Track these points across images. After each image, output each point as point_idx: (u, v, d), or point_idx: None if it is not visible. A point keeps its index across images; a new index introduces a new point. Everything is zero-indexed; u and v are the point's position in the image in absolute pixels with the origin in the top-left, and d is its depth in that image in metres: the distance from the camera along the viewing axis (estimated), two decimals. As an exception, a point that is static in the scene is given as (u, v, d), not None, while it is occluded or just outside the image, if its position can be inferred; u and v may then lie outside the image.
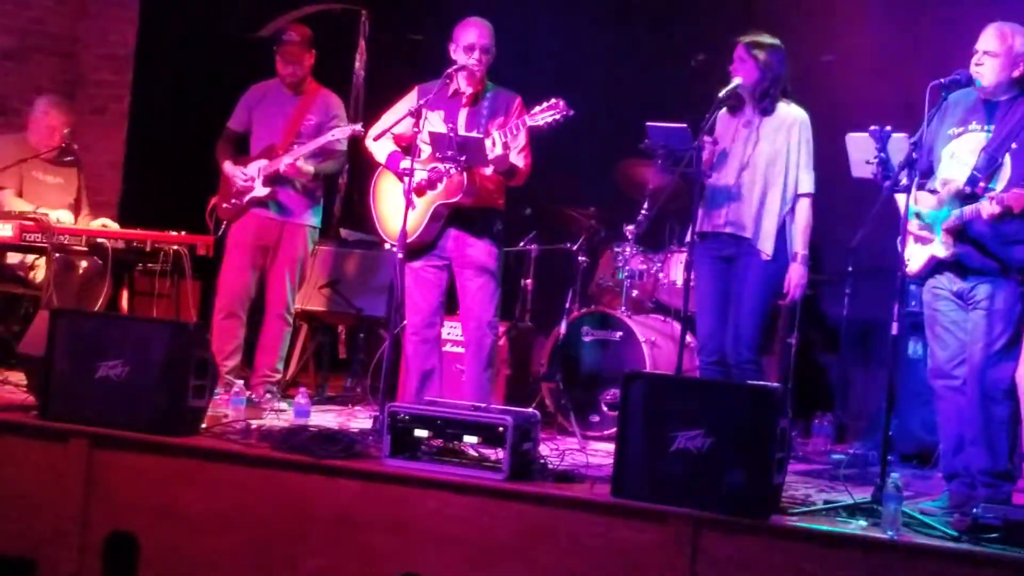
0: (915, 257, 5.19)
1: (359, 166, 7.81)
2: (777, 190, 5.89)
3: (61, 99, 7.74)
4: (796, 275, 5.93)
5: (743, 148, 5.93)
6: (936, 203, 5.11)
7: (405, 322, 6.15)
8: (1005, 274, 5.03)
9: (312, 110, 6.87)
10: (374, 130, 6.21)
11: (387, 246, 6.25)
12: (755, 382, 5.22)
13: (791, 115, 5.95)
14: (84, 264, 7.13)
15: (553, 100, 5.77)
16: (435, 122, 5.95)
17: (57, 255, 6.71)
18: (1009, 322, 5.03)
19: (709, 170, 5.91)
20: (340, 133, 6.72)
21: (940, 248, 5.08)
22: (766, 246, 5.87)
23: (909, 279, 5.26)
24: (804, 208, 5.95)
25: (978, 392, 5.04)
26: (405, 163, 5.84)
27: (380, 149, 6.15)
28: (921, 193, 5.16)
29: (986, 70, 5.07)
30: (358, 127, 6.70)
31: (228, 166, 6.86)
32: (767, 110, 5.93)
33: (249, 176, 6.77)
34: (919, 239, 5.15)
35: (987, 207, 4.89)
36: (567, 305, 7.14)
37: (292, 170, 6.68)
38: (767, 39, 5.93)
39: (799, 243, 5.93)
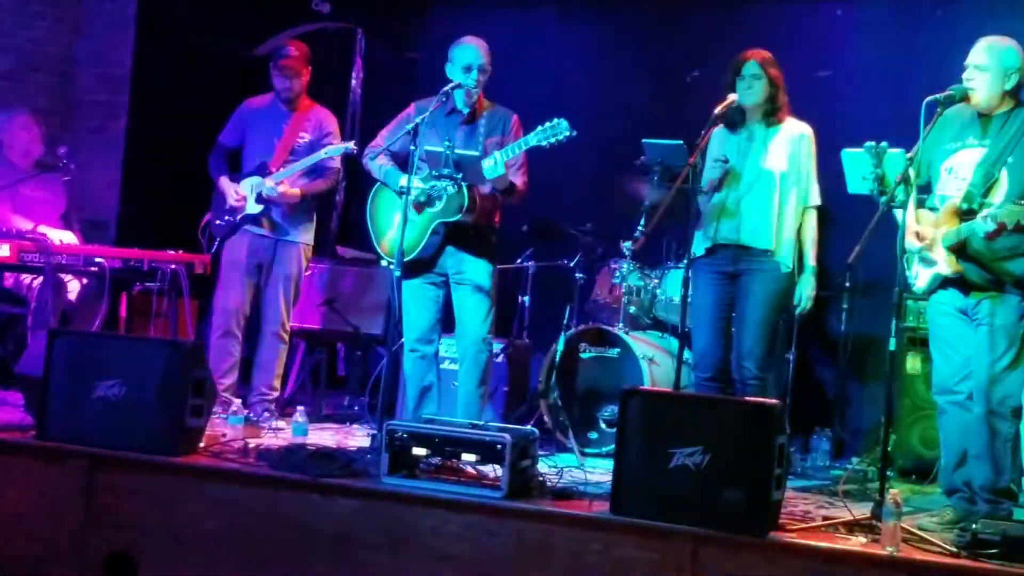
0: (920, 275, 5.20)
1: (356, 183, 7.82)
2: (792, 202, 5.91)
3: (31, 111, 7.62)
4: (808, 286, 5.97)
5: (752, 162, 5.93)
6: (935, 220, 5.11)
7: (403, 339, 6.16)
8: (1005, 289, 5.02)
9: (305, 127, 6.87)
10: (371, 148, 6.21)
11: (383, 263, 6.23)
12: (753, 398, 5.21)
13: (798, 128, 5.98)
14: (82, 283, 7.12)
15: (555, 120, 5.75)
16: (432, 140, 5.95)
17: (55, 274, 6.70)
18: (1014, 338, 5.02)
19: (717, 190, 5.91)
20: (333, 151, 6.73)
21: (943, 265, 5.07)
22: (786, 258, 5.89)
23: (915, 296, 5.24)
24: (812, 220, 6.00)
25: (984, 408, 5.03)
26: (403, 180, 5.84)
27: (378, 167, 6.15)
28: (921, 211, 5.17)
29: (977, 85, 5.08)
30: (351, 145, 6.70)
31: (223, 182, 6.86)
32: (776, 123, 5.95)
33: (242, 195, 6.77)
34: (922, 257, 5.15)
35: (982, 225, 4.89)
36: (565, 322, 7.14)
37: (279, 196, 6.68)
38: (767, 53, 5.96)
39: (811, 255, 5.96)
